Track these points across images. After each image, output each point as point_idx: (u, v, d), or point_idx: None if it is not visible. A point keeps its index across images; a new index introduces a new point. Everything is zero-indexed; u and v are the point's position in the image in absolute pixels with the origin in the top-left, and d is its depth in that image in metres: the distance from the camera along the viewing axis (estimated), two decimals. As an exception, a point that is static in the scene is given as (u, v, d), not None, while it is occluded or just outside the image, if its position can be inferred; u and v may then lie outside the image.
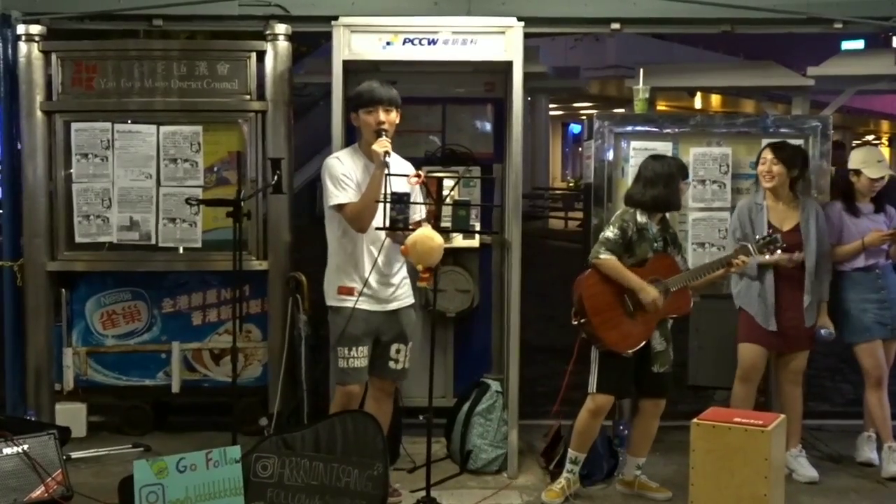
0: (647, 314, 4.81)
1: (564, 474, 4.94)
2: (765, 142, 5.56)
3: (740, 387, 5.28)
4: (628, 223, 4.83)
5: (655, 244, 4.88)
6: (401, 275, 4.76)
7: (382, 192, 4.42)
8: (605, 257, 4.76)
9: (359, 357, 4.62)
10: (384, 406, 4.81)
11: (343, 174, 4.60)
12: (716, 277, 5.03)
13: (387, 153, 4.48)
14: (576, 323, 4.81)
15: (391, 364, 4.74)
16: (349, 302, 4.60)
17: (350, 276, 4.62)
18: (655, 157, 5.05)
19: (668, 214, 5.01)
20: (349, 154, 4.73)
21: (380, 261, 4.60)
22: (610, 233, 4.81)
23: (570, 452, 4.95)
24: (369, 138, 4.61)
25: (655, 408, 5.02)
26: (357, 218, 4.55)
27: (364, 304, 4.62)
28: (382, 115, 4.59)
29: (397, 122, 4.69)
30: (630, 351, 4.83)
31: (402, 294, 4.76)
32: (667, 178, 4.85)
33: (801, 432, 5.42)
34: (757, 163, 5.32)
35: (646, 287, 4.78)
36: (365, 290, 4.59)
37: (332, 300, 4.68)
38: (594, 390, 4.84)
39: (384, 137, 4.54)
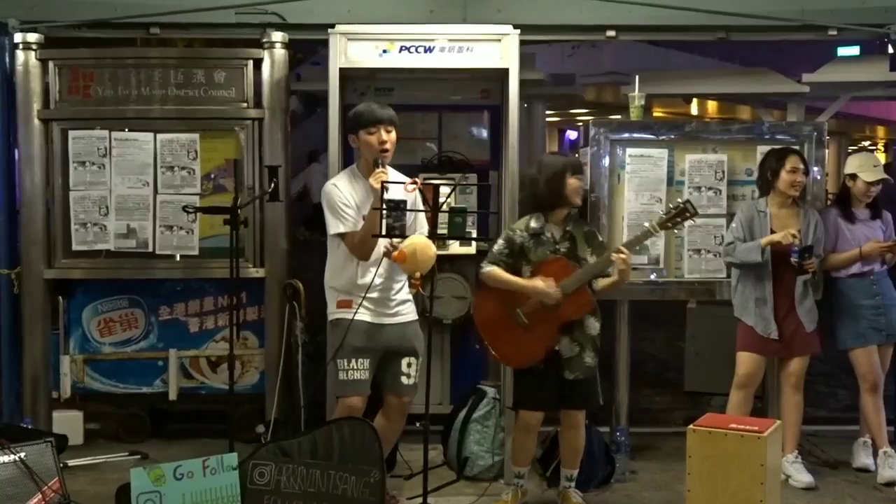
0: (545, 324, 4.64)
1: (507, 491, 4.90)
2: (761, 148, 5.58)
3: (737, 394, 5.29)
4: (515, 231, 4.70)
5: (557, 247, 4.66)
6: (405, 289, 4.74)
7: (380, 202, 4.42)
8: (488, 269, 4.67)
9: (359, 369, 4.58)
10: (395, 424, 4.76)
11: (342, 202, 4.57)
12: (610, 284, 4.71)
13: (385, 188, 4.41)
14: (478, 347, 4.76)
15: (403, 379, 4.69)
16: (348, 314, 4.58)
17: (348, 290, 4.60)
18: (544, 156, 4.95)
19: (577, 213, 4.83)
20: (347, 178, 4.67)
21: (381, 274, 4.59)
22: (496, 245, 4.72)
23: (513, 468, 4.91)
24: (369, 158, 4.58)
25: (572, 418, 4.80)
26: (358, 248, 4.54)
27: (364, 317, 4.59)
28: (384, 135, 4.56)
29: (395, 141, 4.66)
30: (529, 364, 4.69)
31: (406, 309, 4.73)
32: (548, 174, 4.66)
33: (798, 438, 5.42)
34: (776, 170, 5.21)
35: (534, 282, 4.59)
36: (364, 302, 4.57)
37: (331, 314, 4.68)
38: (510, 405, 4.80)
39: (380, 169, 4.48)
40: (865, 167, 5.46)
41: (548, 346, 4.65)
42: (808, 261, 5.08)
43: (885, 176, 5.46)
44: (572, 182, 4.69)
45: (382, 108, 4.63)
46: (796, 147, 5.54)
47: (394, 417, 4.75)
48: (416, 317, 4.80)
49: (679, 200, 4.71)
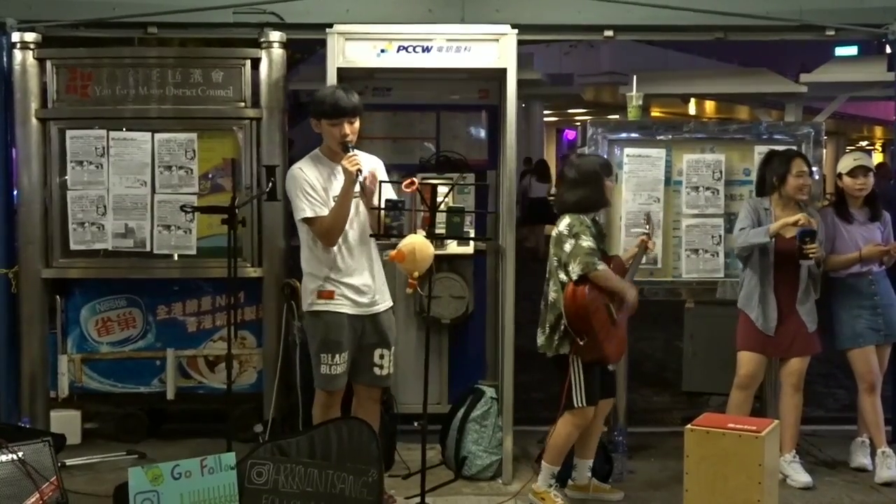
0: (622, 319, 4.85)
1: (552, 492, 4.88)
2: (758, 149, 5.58)
3: (738, 394, 5.29)
4: (591, 229, 4.77)
5: (601, 245, 4.87)
6: (380, 278, 4.73)
7: (377, 201, 4.42)
8: (602, 267, 4.69)
9: (340, 363, 4.59)
10: (371, 413, 4.76)
11: (308, 185, 4.54)
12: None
13: (359, 171, 4.41)
14: (581, 342, 4.68)
15: (376, 370, 4.70)
16: (330, 306, 4.57)
17: (329, 281, 4.58)
18: (578, 157, 5.11)
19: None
20: (312, 162, 4.64)
21: (359, 259, 4.58)
22: (587, 242, 4.67)
23: (550, 468, 4.88)
24: (333, 146, 4.57)
25: (608, 406, 5.10)
26: (326, 233, 4.51)
27: (345, 309, 4.59)
28: (347, 128, 4.51)
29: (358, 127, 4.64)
30: (619, 359, 4.96)
31: (381, 298, 4.72)
32: (592, 177, 4.83)
33: (797, 438, 5.43)
34: (782, 175, 5.20)
35: (630, 289, 4.85)
36: (346, 292, 4.57)
37: (311, 305, 4.64)
38: (584, 404, 4.76)
39: (353, 152, 4.47)
40: (847, 163, 5.50)
41: (625, 340, 4.92)
42: (808, 245, 5.06)
43: (863, 163, 5.46)
44: (609, 185, 4.92)
45: (348, 97, 4.54)
46: (794, 147, 5.54)
47: (367, 406, 4.77)
48: (391, 304, 4.80)
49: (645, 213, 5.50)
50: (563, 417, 4.82)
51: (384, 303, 4.74)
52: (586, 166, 4.91)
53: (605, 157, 5.59)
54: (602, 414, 5.04)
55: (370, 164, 4.64)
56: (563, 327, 4.73)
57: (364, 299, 4.63)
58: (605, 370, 4.90)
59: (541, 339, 4.88)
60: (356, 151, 4.52)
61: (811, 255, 5.09)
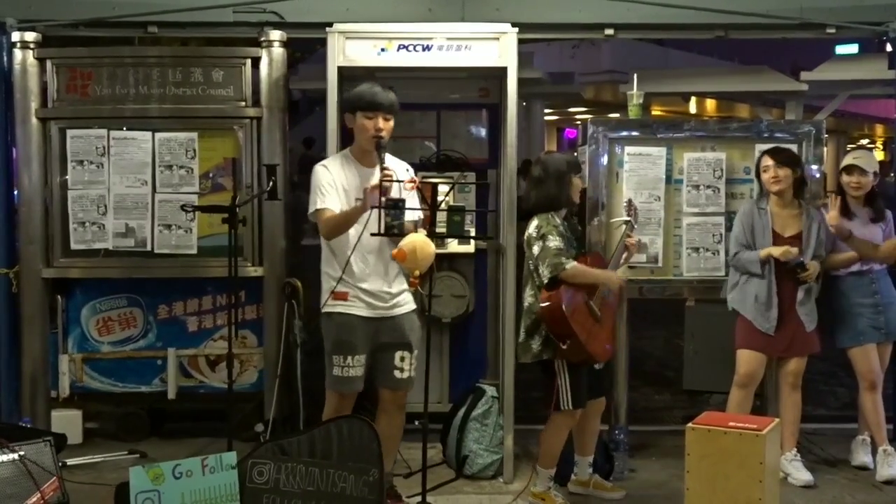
0: (606, 315, 4.83)
1: (552, 492, 4.88)
2: (758, 147, 5.58)
3: (738, 392, 5.29)
4: (559, 227, 4.75)
5: (574, 243, 4.84)
6: (400, 281, 4.68)
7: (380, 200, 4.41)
8: (571, 265, 4.66)
9: (354, 366, 4.55)
10: (396, 420, 4.73)
11: (327, 183, 4.51)
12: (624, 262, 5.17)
13: (386, 196, 4.34)
14: (564, 346, 4.63)
15: (396, 373, 4.64)
16: (343, 307, 4.55)
17: (344, 282, 4.55)
18: (545, 155, 5.15)
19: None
20: (339, 161, 4.63)
21: (375, 266, 4.56)
22: (554, 242, 4.66)
23: (546, 471, 4.88)
24: (363, 143, 4.55)
25: (600, 405, 5.06)
26: (327, 226, 4.47)
27: (360, 311, 4.56)
28: (381, 123, 4.50)
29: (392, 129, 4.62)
30: (607, 358, 4.95)
31: (403, 300, 4.67)
32: (556, 175, 4.79)
33: (797, 436, 5.43)
34: (757, 170, 5.34)
35: (608, 274, 4.82)
36: (361, 295, 4.55)
37: (325, 306, 4.61)
38: (570, 406, 4.73)
39: (386, 168, 4.37)
40: (846, 159, 5.51)
41: (613, 336, 4.89)
42: (800, 274, 5.14)
43: (857, 162, 5.45)
44: (576, 182, 4.88)
45: (385, 93, 4.54)
46: (794, 146, 5.54)
47: (391, 412, 4.72)
48: (414, 306, 4.75)
49: (625, 202, 5.36)
50: (550, 420, 4.83)
51: (405, 306, 4.68)
52: (552, 164, 4.86)
53: (606, 155, 5.60)
54: (596, 413, 5.03)
55: (400, 172, 4.59)
56: (543, 332, 4.71)
57: (379, 303, 4.59)
58: (592, 370, 4.86)
59: (515, 343, 4.91)
60: (388, 165, 4.43)
61: (806, 281, 5.17)
